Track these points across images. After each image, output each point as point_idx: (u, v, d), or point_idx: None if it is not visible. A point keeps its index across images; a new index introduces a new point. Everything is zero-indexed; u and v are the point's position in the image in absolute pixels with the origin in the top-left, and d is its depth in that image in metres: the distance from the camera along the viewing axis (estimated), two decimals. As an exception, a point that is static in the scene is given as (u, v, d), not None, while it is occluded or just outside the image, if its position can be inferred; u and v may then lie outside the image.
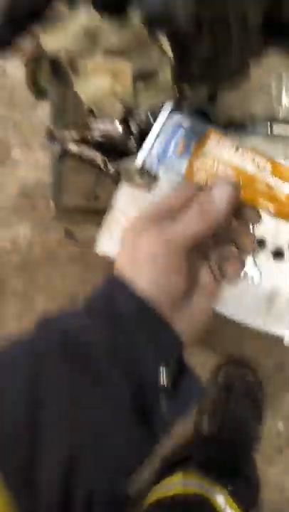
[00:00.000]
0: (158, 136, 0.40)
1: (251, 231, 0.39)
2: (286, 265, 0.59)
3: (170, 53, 0.53)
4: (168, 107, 0.40)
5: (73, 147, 0.64)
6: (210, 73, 0.54)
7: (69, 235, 0.93)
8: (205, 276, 0.39)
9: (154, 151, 0.40)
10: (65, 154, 0.66)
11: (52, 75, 0.68)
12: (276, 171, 0.39)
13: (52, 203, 0.72)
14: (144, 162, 0.40)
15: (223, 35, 0.45)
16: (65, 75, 0.66)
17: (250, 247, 0.39)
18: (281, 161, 0.39)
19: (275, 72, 0.63)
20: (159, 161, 0.40)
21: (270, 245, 0.59)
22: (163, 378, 0.34)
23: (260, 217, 0.38)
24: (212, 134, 0.40)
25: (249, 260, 0.60)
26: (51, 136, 0.66)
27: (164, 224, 0.36)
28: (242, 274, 0.39)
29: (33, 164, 0.99)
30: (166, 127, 0.40)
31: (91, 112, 0.65)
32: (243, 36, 0.48)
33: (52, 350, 0.32)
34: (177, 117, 0.41)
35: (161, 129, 0.40)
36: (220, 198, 0.36)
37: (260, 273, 0.60)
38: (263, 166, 0.39)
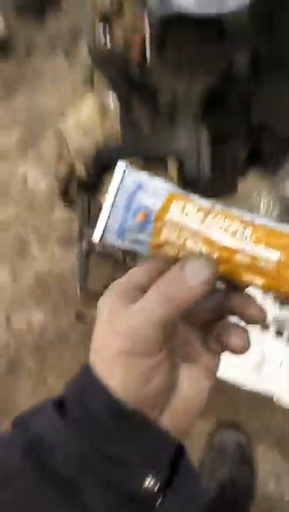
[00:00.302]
0: (113, 205, 0.35)
1: (255, 301, 0.34)
2: (271, 334, 0.75)
3: (175, 181, 0.72)
4: (121, 168, 0.35)
5: (98, 245, 0.81)
6: (208, 194, 0.73)
7: (80, 317, 1.06)
8: (198, 352, 0.36)
9: (111, 224, 0.35)
10: (90, 251, 0.82)
11: (80, 191, 0.86)
12: (259, 236, 0.33)
13: (78, 290, 0.87)
14: (102, 237, 0.35)
15: (221, 174, 0.63)
16: (92, 190, 0.85)
17: (259, 318, 0.34)
18: (262, 220, 0.33)
19: (255, 186, 0.83)
20: (118, 234, 0.35)
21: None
22: (152, 485, 0.31)
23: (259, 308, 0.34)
24: (174, 198, 0.35)
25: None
26: (81, 236, 0.82)
27: (128, 310, 0.33)
28: (249, 343, 0.34)
29: (47, 258, 1.14)
30: (121, 193, 0.35)
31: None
32: (234, 170, 0.68)
33: (16, 458, 0.30)
34: (132, 179, 0.36)
35: (115, 197, 0.35)
36: (193, 278, 0.32)
37: (253, 342, 0.75)
38: (242, 232, 0.33)
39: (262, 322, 0.34)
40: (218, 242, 0.33)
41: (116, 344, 0.32)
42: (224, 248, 0.33)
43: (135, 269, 0.36)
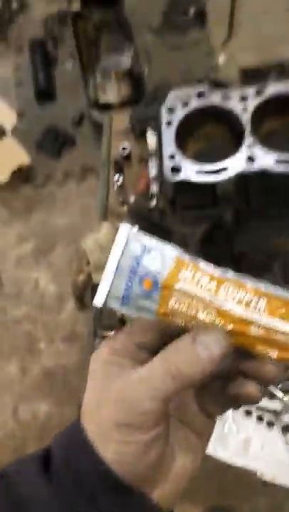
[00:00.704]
0: (117, 269, 0.33)
1: (269, 362, 0.31)
2: (253, 420, 0.89)
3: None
4: (125, 230, 0.33)
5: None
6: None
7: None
8: (194, 415, 0.34)
9: (115, 289, 0.33)
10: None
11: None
12: (272, 307, 0.32)
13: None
14: (104, 303, 0.33)
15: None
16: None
17: (275, 375, 0.31)
18: (276, 290, 0.32)
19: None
20: (122, 301, 0.33)
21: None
22: None
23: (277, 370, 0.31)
24: (183, 265, 0.33)
25: (229, 416, 0.89)
26: (94, 336, 0.97)
27: (128, 378, 0.31)
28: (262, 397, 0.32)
29: (54, 353, 1.28)
30: (125, 257, 0.33)
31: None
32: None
33: None
34: (138, 242, 0.34)
35: (119, 261, 0.33)
36: (205, 353, 0.30)
37: (237, 426, 0.89)
38: (255, 303, 0.32)
39: (276, 380, 0.32)
40: (232, 314, 0.31)
41: (112, 413, 0.30)
42: (238, 320, 0.31)
43: (139, 323, 0.34)
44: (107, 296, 0.33)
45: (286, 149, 0.66)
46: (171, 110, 0.69)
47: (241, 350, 0.32)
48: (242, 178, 0.67)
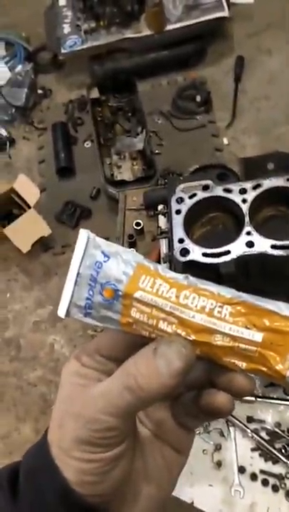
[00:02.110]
0: (77, 277, 0.31)
1: (240, 374, 0.29)
2: (259, 484, 0.93)
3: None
4: (84, 237, 0.32)
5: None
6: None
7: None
8: (169, 429, 0.32)
9: (77, 298, 0.31)
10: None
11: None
12: (237, 314, 0.29)
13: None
14: (67, 313, 0.32)
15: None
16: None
17: (247, 389, 0.29)
18: (240, 295, 0.29)
19: None
20: (85, 310, 0.31)
21: (248, 469, 0.94)
22: None
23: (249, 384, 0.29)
24: (143, 272, 0.30)
25: (235, 480, 0.93)
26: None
27: (89, 392, 0.29)
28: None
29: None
30: (85, 265, 0.31)
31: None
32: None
33: None
34: (97, 249, 0.31)
35: (79, 268, 0.31)
36: (166, 368, 0.27)
37: (244, 489, 0.93)
38: (218, 311, 0.29)
39: (250, 393, 0.29)
40: (194, 323, 0.28)
41: (72, 430, 0.28)
42: (200, 329, 0.29)
43: (106, 335, 0.32)
44: (70, 305, 0.31)
45: (281, 233, 0.76)
46: (179, 200, 0.79)
47: (209, 361, 0.30)
48: (242, 260, 0.76)
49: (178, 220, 0.79)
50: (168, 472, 0.33)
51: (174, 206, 0.80)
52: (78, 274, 0.32)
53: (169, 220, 0.80)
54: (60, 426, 0.30)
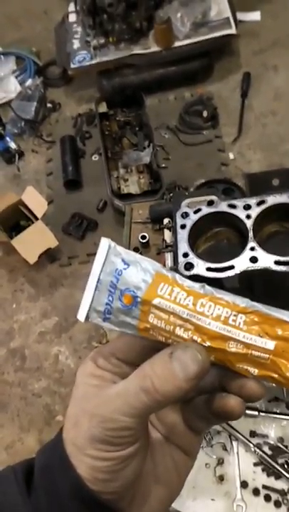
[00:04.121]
0: (98, 283, 0.32)
1: (251, 379, 0.30)
2: (261, 499, 0.93)
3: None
4: (105, 245, 0.33)
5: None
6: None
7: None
8: (179, 432, 0.33)
9: (96, 303, 0.32)
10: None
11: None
12: (251, 323, 0.30)
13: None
14: (87, 317, 0.33)
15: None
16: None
17: (258, 394, 0.30)
18: (254, 305, 0.30)
19: None
20: (104, 315, 0.33)
21: (251, 483, 0.94)
22: None
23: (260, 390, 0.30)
24: (162, 280, 0.32)
25: (238, 495, 0.93)
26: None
27: (105, 392, 0.30)
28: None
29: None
30: (106, 271, 0.32)
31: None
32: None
33: None
34: (118, 257, 0.32)
35: (100, 275, 0.32)
36: (182, 371, 0.28)
37: (246, 504, 0.93)
38: (233, 319, 0.30)
39: (260, 398, 0.30)
40: (209, 330, 0.30)
41: (88, 428, 0.29)
42: (216, 336, 0.30)
43: (122, 340, 0.33)
44: (89, 310, 0.32)
45: (286, 248, 0.77)
46: (184, 215, 0.81)
47: (222, 366, 0.31)
48: (246, 275, 0.77)
49: (183, 235, 0.80)
50: (177, 474, 0.34)
51: (179, 221, 0.81)
52: (99, 280, 0.33)
53: (174, 235, 0.82)
54: (75, 424, 0.31)
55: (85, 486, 0.29)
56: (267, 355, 0.30)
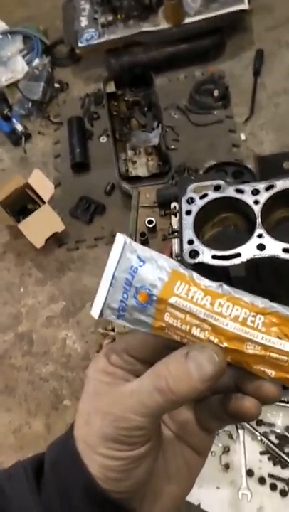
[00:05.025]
0: (113, 279, 0.32)
1: (268, 381, 0.29)
2: (267, 488, 0.92)
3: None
4: (120, 241, 0.32)
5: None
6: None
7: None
8: (192, 431, 0.33)
9: (111, 300, 0.32)
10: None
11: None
12: (269, 324, 0.29)
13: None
14: (101, 313, 0.32)
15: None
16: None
17: (274, 396, 0.30)
18: (273, 306, 0.29)
19: None
20: (118, 312, 0.32)
21: (256, 472, 0.93)
22: None
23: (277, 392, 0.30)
24: (178, 278, 0.31)
25: (243, 483, 0.92)
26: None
27: (118, 390, 0.29)
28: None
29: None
30: (121, 268, 0.32)
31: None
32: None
33: None
34: (133, 253, 0.32)
35: (115, 271, 0.32)
36: (197, 372, 0.28)
37: (251, 493, 0.92)
38: (251, 320, 0.30)
39: (276, 401, 0.30)
40: (227, 331, 0.29)
41: (100, 427, 0.29)
42: (233, 337, 0.29)
43: (136, 337, 0.32)
44: (103, 306, 0.32)
45: (294, 235, 0.74)
46: (190, 201, 0.78)
47: (238, 367, 0.30)
48: (253, 262, 0.74)
49: (188, 221, 0.77)
50: (188, 472, 0.34)
51: (185, 207, 0.79)
52: (114, 276, 0.32)
53: (180, 221, 0.79)
54: (87, 422, 0.30)
55: (97, 484, 0.29)
56: (285, 358, 0.29)
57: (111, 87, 1.67)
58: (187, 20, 1.65)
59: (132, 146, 1.59)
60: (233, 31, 1.75)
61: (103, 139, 1.65)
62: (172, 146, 1.57)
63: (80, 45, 1.70)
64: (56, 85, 1.81)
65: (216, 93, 1.62)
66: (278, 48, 1.72)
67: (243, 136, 1.59)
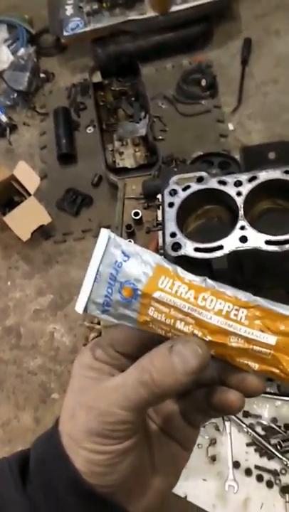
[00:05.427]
0: (97, 274, 0.32)
1: (251, 374, 0.30)
2: (253, 479, 0.92)
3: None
4: (105, 236, 0.32)
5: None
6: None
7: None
8: (177, 425, 0.33)
9: (95, 295, 0.32)
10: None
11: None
12: (252, 317, 0.30)
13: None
14: (85, 308, 0.32)
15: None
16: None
17: (257, 389, 0.30)
18: (256, 300, 0.30)
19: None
20: (103, 307, 0.32)
21: (243, 464, 0.93)
22: None
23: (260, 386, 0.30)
24: (163, 272, 0.31)
25: (230, 475, 0.93)
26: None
27: (102, 385, 0.30)
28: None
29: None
30: (105, 263, 0.32)
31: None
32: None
33: None
34: (117, 248, 0.32)
35: (99, 266, 0.32)
36: (181, 365, 0.28)
37: (238, 484, 0.92)
38: (235, 313, 0.30)
39: (260, 393, 0.30)
40: (210, 324, 0.30)
41: (85, 421, 0.29)
42: (216, 331, 0.30)
43: (121, 332, 0.32)
44: (88, 301, 0.32)
45: (279, 227, 0.74)
46: (172, 192, 0.77)
47: (222, 360, 0.31)
48: (236, 255, 0.74)
49: (171, 214, 0.76)
50: (173, 466, 0.34)
51: (167, 199, 0.78)
52: (98, 271, 0.32)
53: (162, 213, 0.78)
54: (72, 417, 0.31)
55: (82, 479, 0.29)
56: (268, 351, 0.29)
57: (97, 77, 1.64)
58: (174, 8, 1.63)
59: (119, 137, 1.57)
60: (221, 19, 1.73)
61: (90, 130, 1.63)
62: (160, 137, 1.56)
63: (65, 34, 1.68)
64: (42, 75, 1.78)
65: (203, 82, 1.60)
66: (266, 36, 1.70)
67: (231, 126, 1.58)
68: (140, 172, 1.42)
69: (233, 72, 1.65)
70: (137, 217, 1.14)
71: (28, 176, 1.43)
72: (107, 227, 0.31)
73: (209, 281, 0.31)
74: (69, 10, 1.70)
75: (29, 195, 1.43)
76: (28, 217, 1.39)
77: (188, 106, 1.61)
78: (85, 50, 1.74)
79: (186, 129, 1.58)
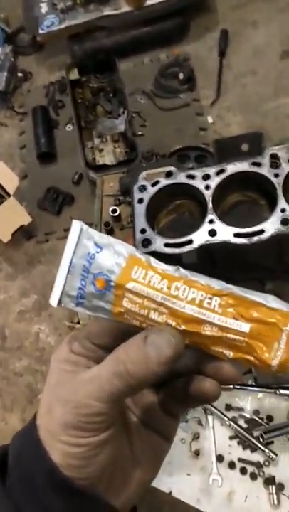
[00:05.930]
0: (70, 266, 0.31)
1: (227, 362, 0.30)
2: (237, 472, 0.92)
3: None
4: (77, 228, 0.31)
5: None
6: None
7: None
8: (156, 416, 0.33)
9: (69, 287, 0.31)
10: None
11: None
12: (225, 305, 0.29)
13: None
14: (59, 302, 0.32)
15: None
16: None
17: (233, 378, 0.31)
18: (229, 287, 0.29)
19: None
20: (77, 300, 0.32)
21: (226, 457, 0.93)
22: None
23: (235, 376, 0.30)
24: (135, 263, 0.31)
25: (214, 469, 0.93)
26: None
27: (78, 378, 0.29)
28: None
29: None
30: (78, 255, 0.31)
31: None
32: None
33: None
34: (90, 240, 0.31)
35: (72, 259, 0.31)
36: (155, 355, 0.28)
37: (222, 478, 0.92)
38: (208, 302, 0.30)
39: (236, 381, 0.30)
40: (184, 314, 0.29)
41: (60, 414, 0.29)
42: (190, 319, 0.29)
43: (97, 324, 0.32)
44: (62, 294, 0.32)
45: (249, 219, 0.73)
46: (142, 188, 0.76)
47: (198, 349, 0.30)
48: (207, 248, 0.73)
49: (140, 210, 0.76)
50: (154, 457, 0.34)
51: (137, 195, 0.77)
52: (71, 264, 0.32)
53: (132, 210, 0.78)
54: (49, 410, 0.31)
55: (59, 472, 0.29)
56: (242, 338, 0.29)
57: (74, 74, 1.63)
58: (149, 2, 1.61)
59: (98, 134, 1.56)
60: (197, 12, 1.71)
61: (69, 128, 1.62)
62: (139, 132, 1.54)
63: (40, 32, 1.66)
64: (20, 74, 1.76)
65: (181, 76, 1.59)
66: (244, 27, 1.69)
67: (210, 119, 1.57)
68: (120, 168, 1.41)
69: (211, 64, 1.64)
70: (115, 214, 1.14)
71: (6, 177, 1.42)
72: (89, 224, 0.30)
73: (182, 271, 0.31)
74: (44, 7, 1.68)
75: (8, 196, 1.42)
76: (8, 218, 1.38)
77: (167, 100, 1.59)
78: (63, 47, 1.72)
79: (165, 124, 1.56)
